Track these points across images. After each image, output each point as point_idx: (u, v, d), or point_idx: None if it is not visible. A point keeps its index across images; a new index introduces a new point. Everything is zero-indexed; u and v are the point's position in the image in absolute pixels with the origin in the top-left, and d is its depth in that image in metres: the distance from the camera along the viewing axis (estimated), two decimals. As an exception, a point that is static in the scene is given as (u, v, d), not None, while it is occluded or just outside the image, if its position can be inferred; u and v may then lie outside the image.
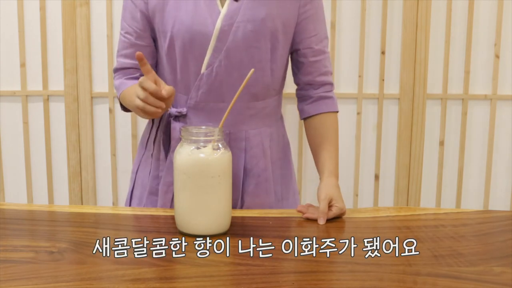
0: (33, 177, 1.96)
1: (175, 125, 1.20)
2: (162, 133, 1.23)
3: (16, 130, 1.93)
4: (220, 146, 0.98)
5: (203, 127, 1.02)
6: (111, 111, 1.91)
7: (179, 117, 1.21)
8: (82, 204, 1.94)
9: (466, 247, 0.93)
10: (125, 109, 1.32)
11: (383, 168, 1.96)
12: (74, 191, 1.94)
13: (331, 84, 1.28)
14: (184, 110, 1.19)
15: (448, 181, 1.97)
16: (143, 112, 1.03)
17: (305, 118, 1.28)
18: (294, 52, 1.26)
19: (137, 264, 0.84)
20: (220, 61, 1.15)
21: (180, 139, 1.13)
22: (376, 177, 1.95)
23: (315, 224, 1.06)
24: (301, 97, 1.29)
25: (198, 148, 0.97)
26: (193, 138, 0.97)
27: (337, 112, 1.28)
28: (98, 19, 1.87)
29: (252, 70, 1.03)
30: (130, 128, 1.92)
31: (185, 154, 0.97)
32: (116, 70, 1.27)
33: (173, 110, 1.21)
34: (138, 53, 0.98)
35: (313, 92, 1.26)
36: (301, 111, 1.29)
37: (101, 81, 1.90)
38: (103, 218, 1.09)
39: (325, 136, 1.24)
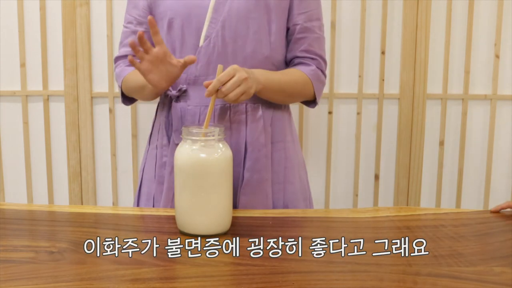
0: (33, 177, 1.96)
1: (176, 105, 1.22)
2: (164, 117, 1.25)
3: (16, 130, 1.93)
4: (221, 146, 0.98)
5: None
6: (111, 111, 1.91)
7: (179, 96, 1.23)
8: (82, 204, 1.94)
9: (466, 247, 0.93)
10: (126, 100, 1.33)
11: (383, 168, 1.96)
12: (74, 191, 1.94)
13: (313, 59, 1.26)
14: (184, 87, 1.22)
15: (448, 181, 1.97)
16: (142, 73, 1.09)
17: None
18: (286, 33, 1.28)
19: (137, 264, 0.84)
20: (217, 31, 1.18)
21: (181, 118, 1.19)
22: (376, 177, 1.95)
23: (315, 224, 1.06)
24: None
25: (198, 147, 0.97)
26: (194, 137, 0.97)
27: (308, 77, 1.24)
28: (98, 19, 1.87)
29: (221, 66, 1.05)
30: (130, 128, 1.93)
31: (185, 154, 0.97)
32: (117, 59, 1.32)
33: (173, 92, 1.23)
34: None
35: (293, 62, 1.28)
36: None
37: (101, 81, 1.90)
38: (103, 218, 1.09)
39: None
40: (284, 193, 1.26)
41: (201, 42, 1.19)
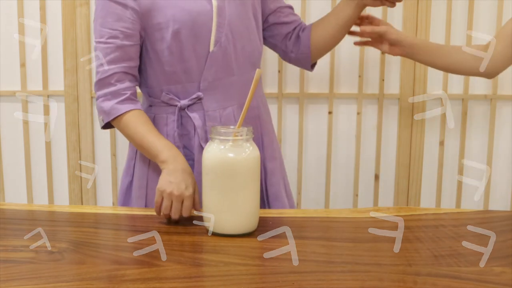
0: (33, 177, 1.96)
1: (194, 115, 1.22)
2: (175, 127, 1.22)
3: (16, 130, 1.93)
4: (249, 145, 0.98)
5: (232, 126, 1.02)
6: (111, 111, 1.91)
7: (193, 105, 1.23)
8: (82, 204, 1.94)
9: (466, 247, 0.93)
10: (105, 126, 1.22)
11: (383, 168, 1.96)
12: (74, 191, 1.94)
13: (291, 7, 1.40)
14: (200, 94, 1.22)
15: (448, 181, 1.97)
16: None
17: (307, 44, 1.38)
18: (269, 25, 1.36)
19: (137, 264, 0.84)
20: (226, 35, 1.21)
21: (203, 125, 1.21)
22: (376, 177, 1.95)
23: (315, 224, 1.06)
24: (285, 45, 1.39)
25: (227, 147, 0.97)
26: (222, 137, 0.97)
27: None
28: (98, 19, 1.87)
29: (260, 70, 1.02)
30: (130, 128, 1.92)
31: (213, 154, 0.97)
32: (99, 84, 1.18)
33: (184, 102, 1.21)
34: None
35: (290, 30, 1.39)
36: (294, 46, 1.38)
37: (101, 81, 1.90)
38: (103, 218, 1.10)
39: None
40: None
41: (211, 47, 1.20)
